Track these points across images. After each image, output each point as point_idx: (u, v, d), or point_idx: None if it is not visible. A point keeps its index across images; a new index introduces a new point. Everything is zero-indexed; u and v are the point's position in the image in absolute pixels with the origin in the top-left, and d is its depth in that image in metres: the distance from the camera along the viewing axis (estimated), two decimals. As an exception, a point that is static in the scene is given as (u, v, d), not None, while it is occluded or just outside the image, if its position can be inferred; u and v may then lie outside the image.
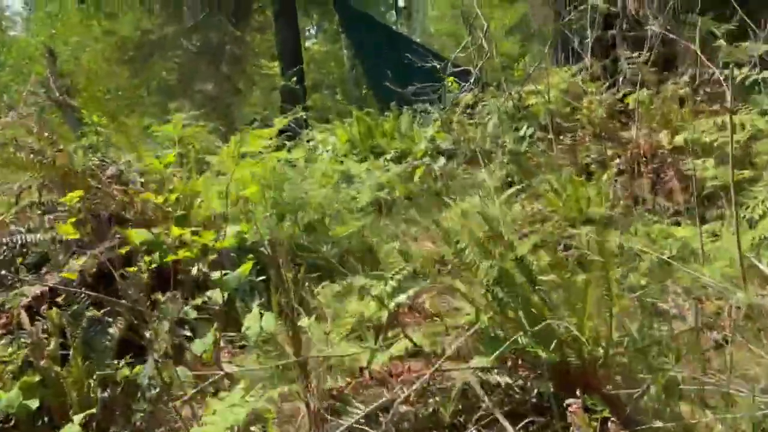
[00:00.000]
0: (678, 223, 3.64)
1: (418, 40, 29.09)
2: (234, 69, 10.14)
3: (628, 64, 5.53)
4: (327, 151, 4.99)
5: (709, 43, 5.74)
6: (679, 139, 4.35)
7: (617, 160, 4.65)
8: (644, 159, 4.19)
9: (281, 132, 8.61)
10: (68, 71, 14.70)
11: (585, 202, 3.87)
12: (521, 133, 5.23)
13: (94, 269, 3.13)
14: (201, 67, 10.02)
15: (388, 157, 5.74)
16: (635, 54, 5.50)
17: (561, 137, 5.46)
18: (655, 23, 5.64)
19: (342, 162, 5.12)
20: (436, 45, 30.64)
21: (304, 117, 7.52)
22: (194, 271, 3.23)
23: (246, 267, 2.92)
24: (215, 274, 3.00)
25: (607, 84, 5.59)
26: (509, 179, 5.10)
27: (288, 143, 6.54)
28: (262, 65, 12.38)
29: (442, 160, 4.83)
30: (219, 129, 12.76)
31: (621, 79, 5.55)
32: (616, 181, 4.14)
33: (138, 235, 3.26)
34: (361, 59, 11.04)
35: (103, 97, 11.35)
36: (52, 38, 14.99)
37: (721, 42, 5.00)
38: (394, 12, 28.71)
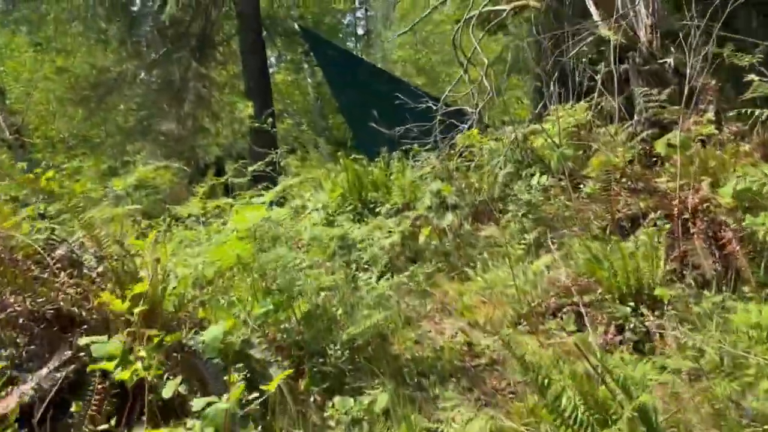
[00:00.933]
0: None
1: (380, 66, 28.79)
2: (198, 106, 9.42)
3: (645, 101, 4.98)
4: (317, 209, 4.29)
5: (730, 76, 5.28)
6: (726, 190, 3.77)
7: (653, 214, 4.06)
8: (691, 215, 3.59)
9: (256, 179, 7.92)
10: (19, 109, 13.83)
11: (634, 272, 3.25)
12: (534, 181, 4.62)
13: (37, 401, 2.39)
14: (162, 105, 9.27)
15: (384, 210, 5.07)
16: (652, 90, 4.95)
17: (579, 185, 4.90)
18: (672, 56, 5.14)
19: (334, 221, 4.43)
20: (398, 72, 30.37)
21: (280, 161, 6.85)
22: (167, 391, 2.50)
23: (236, 393, 2.22)
24: (197, 402, 2.27)
25: (627, 125, 5.05)
26: (525, 236, 4.47)
27: (266, 195, 5.85)
28: (229, 101, 11.68)
29: (449, 217, 4.19)
30: (184, 169, 12.01)
31: (639, 118, 5.00)
32: (659, 242, 3.54)
33: (97, 347, 2.53)
34: (337, 95, 10.39)
35: (57, 138, 10.61)
36: (1, 74, 14.10)
37: (753, 77, 4.49)
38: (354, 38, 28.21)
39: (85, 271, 3.02)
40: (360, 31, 31.50)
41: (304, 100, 26.18)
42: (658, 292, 2.95)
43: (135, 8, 9.79)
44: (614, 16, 5.34)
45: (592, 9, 5.43)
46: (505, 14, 5.29)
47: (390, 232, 4.25)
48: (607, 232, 4.14)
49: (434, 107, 6.77)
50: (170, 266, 3.39)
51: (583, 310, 3.32)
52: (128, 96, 9.70)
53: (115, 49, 9.84)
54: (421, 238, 4.18)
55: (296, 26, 12.68)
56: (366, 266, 3.87)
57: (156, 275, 2.99)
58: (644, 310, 3.29)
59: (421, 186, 5.70)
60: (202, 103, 9.83)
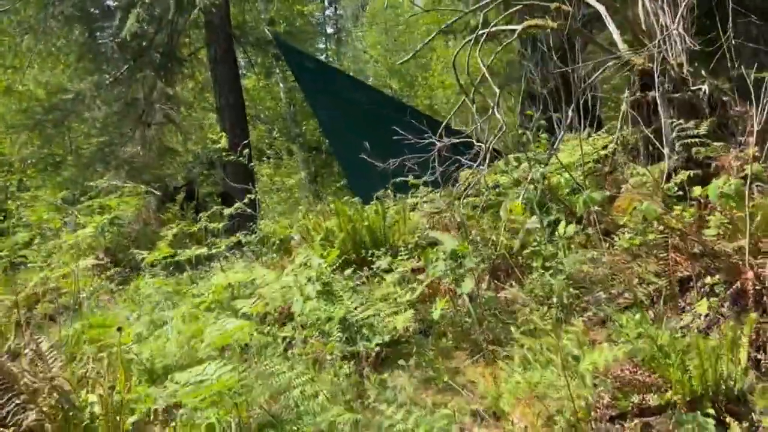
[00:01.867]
0: None
1: (348, 66, 28.05)
2: (165, 128, 8.62)
3: (678, 132, 4.37)
4: (310, 281, 3.59)
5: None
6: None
7: (709, 279, 3.44)
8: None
9: (232, 217, 7.16)
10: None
11: (712, 367, 2.63)
12: (560, 230, 3.98)
13: None
14: (126, 129, 8.46)
15: (385, 264, 4.41)
16: (685, 122, 4.35)
17: (608, 233, 4.28)
18: (706, 82, 4.53)
19: (330, 288, 3.72)
20: (370, 72, 29.71)
21: (257, 198, 6.14)
22: None
23: None
24: None
25: (657, 163, 4.44)
26: (554, 300, 3.84)
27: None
28: (198, 120, 10.90)
29: (469, 284, 3.52)
30: (152, 192, 11.17)
31: (672, 154, 4.39)
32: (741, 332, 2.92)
33: None
34: (315, 108, 9.67)
35: (8, 166, 9.71)
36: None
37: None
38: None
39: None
40: (330, 30, 30.66)
41: (276, 106, 25.36)
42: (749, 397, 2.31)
43: (93, 21, 8.90)
44: (639, 36, 4.72)
45: (612, 28, 4.80)
46: (516, 34, 4.62)
47: (397, 299, 3.60)
48: (659, 300, 3.53)
49: (423, 126, 6.08)
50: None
51: (651, 421, 2.69)
52: (87, 119, 8.85)
53: (71, 66, 8.97)
54: (437, 313, 3.50)
55: (268, 34, 11.90)
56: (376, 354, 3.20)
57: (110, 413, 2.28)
58: (729, 420, 2.67)
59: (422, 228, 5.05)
60: (168, 126, 9.02)
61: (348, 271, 4.07)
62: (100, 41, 8.78)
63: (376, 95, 10.43)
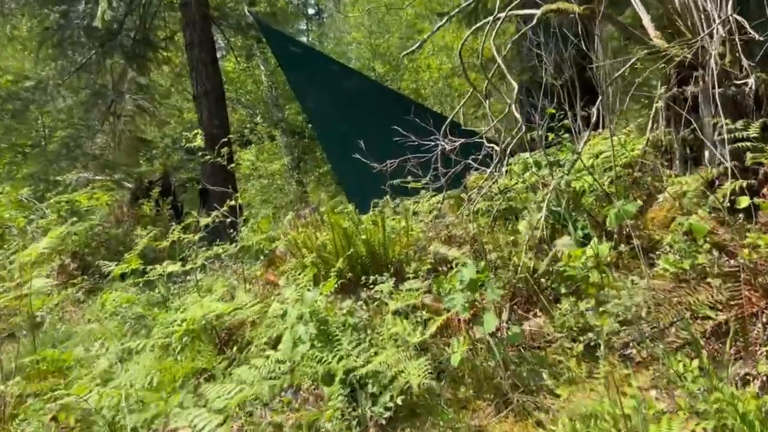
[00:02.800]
0: None
1: (332, 49, 27.24)
2: (136, 120, 7.91)
3: (719, 134, 3.81)
4: (302, 321, 2.99)
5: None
6: None
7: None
8: None
9: (207, 227, 6.49)
10: None
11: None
12: (593, 251, 3.41)
13: None
14: (93, 121, 7.74)
15: (386, 289, 3.83)
16: (730, 121, 3.78)
17: (647, 255, 3.72)
18: (752, 75, 3.96)
19: (327, 327, 3.13)
20: (353, 55, 28.93)
21: (238, 203, 5.52)
22: None
23: None
24: None
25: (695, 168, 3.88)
26: (587, 336, 3.28)
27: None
28: (173, 110, 10.16)
29: (492, 321, 2.94)
30: (126, 188, 10.45)
31: (714, 159, 3.83)
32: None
33: None
34: (302, 98, 8.99)
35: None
36: None
37: None
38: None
39: None
40: (311, 11, 29.77)
41: (257, 89, 24.54)
42: None
43: (58, 3, 8.11)
44: (675, 23, 4.12)
45: (642, 12, 4.20)
46: (535, 20, 4.01)
47: (408, 339, 3.01)
48: (719, 341, 2.97)
49: (425, 123, 5.45)
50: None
51: None
52: (50, 111, 8.10)
53: (33, 51, 8.20)
54: (455, 357, 2.92)
55: (249, 15, 11.14)
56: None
57: None
58: None
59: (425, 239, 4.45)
60: (141, 116, 8.30)
61: (347, 303, 3.45)
62: (63, 25, 8.00)
63: (370, 85, 9.73)
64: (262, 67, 22.55)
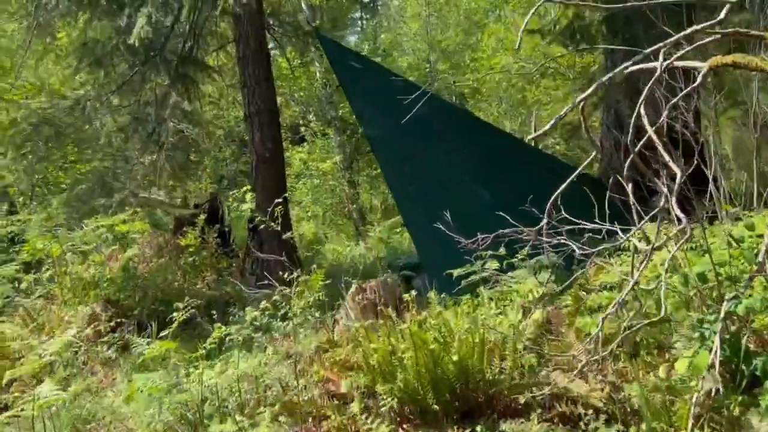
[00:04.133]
0: None
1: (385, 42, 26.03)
2: (180, 150, 7.04)
3: None
4: None
5: None
6: None
7: None
8: None
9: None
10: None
11: None
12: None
13: None
14: (132, 148, 6.88)
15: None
16: None
17: None
18: None
19: None
20: (408, 46, 27.72)
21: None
22: None
23: None
24: None
25: None
26: None
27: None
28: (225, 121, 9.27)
29: None
30: (170, 212, 9.64)
31: None
32: None
33: None
34: (366, 128, 7.92)
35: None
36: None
37: None
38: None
39: None
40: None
41: (310, 87, 23.64)
42: None
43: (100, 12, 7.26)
44: None
45: None
46: (700, 77, 2.87)
47: None
48: None
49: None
50: None
51: None
52: (85, 138, 7.29)
53: (71, 67, 7.40)
54: None
55: (305, 23, 10.19)
56: None
57: None
58: None
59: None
60: (184, 148, 7.42)
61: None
62: (101, 39, 7.16)
63: (453, 113, 8.52)
64: (317, 64, 21.62)
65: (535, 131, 14.15)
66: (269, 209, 8.84)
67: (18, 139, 6.62)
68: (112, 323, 6.74)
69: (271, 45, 10.91)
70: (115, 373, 6.11)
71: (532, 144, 8.72)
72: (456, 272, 5.83)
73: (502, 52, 21.75)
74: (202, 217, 9.03)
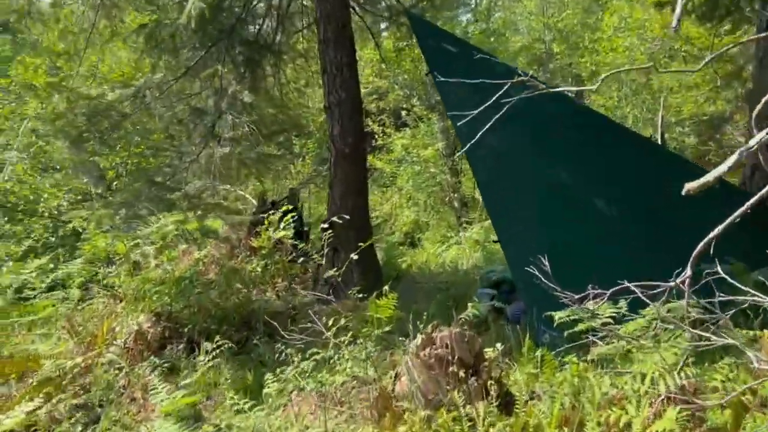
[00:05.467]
0: None
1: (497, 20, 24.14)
2: (238, 141, 6.11)
3: None
4: None
5: None
6: None
7: None
8: None
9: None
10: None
11: None
12: None
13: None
14: (190, 143, 6.04)
15: None
16: None
17: None
18: None
19: None
20: (523, 25, 25.86)
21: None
22: None
23: None
24: None
25: None
26: None
27: None
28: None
29: None
30: (244, 209, 8.86)
31: None
32: None
33: None
34: (463, 137, 6.62)
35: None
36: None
37: None
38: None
39: None
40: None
41: (415, 69, 22.35)
42: None
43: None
44: None
45: None
46: None
47: None
48: None
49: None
50: None
51: None
52: (139, 132, 6.54)
53: (138, 50, 6.66)
54: None
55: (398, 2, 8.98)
56: None
57: None
58: None
59: None
60: (251, 140, 6.49)
61: None
62: (163, 20, 6.35)
63: (576, 112, 7.00)
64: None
65: (662, 122, 12.08)
66: (347, 210, 7.94)
67: (72, 130, 5.96)
68: (162, 339, 6.02)
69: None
70: (155, 404, 5.34)
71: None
72: (558, 316, 4.57)
73: (626, 32, 19.60)
74: (277, 216, 8.16)
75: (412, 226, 21.22)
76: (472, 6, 26.36)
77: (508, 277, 7.64)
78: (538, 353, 4.37)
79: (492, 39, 21.40)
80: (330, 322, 4.56)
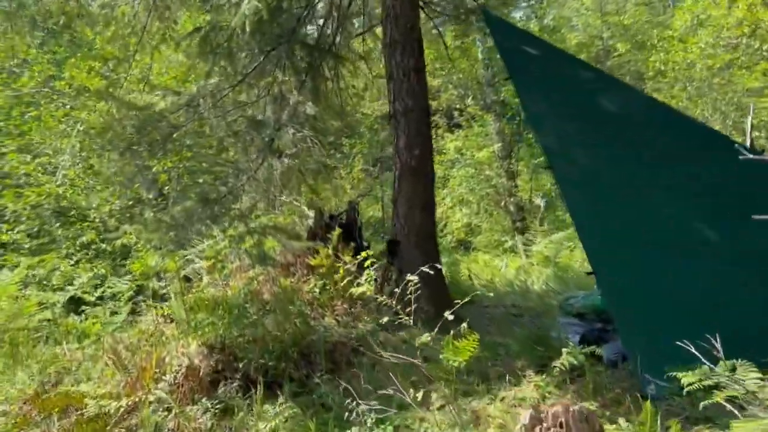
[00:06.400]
0: None
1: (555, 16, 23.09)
2: (297, 164, 5.49)
3: None
4: None
5: None
6: None
7: None
8: None
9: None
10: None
11: None
12: None
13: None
14: (248, 160, 5.45)
15: None
16: None
17: None
18: None
19: None
20: (578, 21, 24.79)
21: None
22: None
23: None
24: None
25: None
26: None
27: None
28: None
29: None
30: (302, 224, 8.26)
31: None
32: None
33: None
34: (544, 138, 5.87)
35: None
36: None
37: None
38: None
39: None
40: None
41: (471, 68, 21.58)
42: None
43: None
44: None
45: None
46: None
47: None
48: None
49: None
50: None
51: None
52: (192, 144, 5.98)
53: (192, 56, 6.11)
54: None
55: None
56: None
57: None
58: None
59: None
60: (313, 155, 5.86)
61: None
62: (217, 23, 5.77)
63: (674, 120, 6.19)
64: (479, 44, 19.56)
65: (750, 129, 10.95)
66: (413, 228, 7.27)
67: (121, 143, 5.45)
68: (214, 373, 5.46)
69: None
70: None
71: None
72: (683, 378, 3.84)
73: (701, 29, 18.36)
74: (336, 233, 7.53)
75: (465, 230, 20.45)
76: (531, 2, 25.25)
77: (592, 305, 6.85)
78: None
79: (546, 35, 20.43)
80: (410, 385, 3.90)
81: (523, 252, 17.48)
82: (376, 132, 18.24)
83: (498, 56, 19.10)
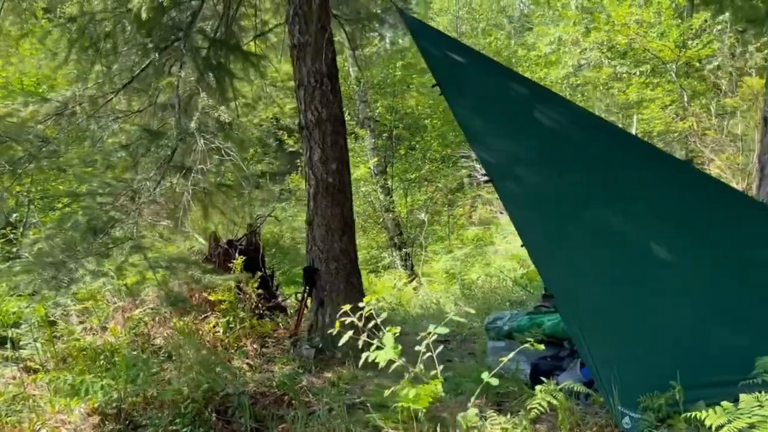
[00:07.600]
0: None
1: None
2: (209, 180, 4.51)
3: None
4: None
5: None
6: None
7: None
8: None
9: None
10: None
11: None
12: None
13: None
14: (144, 178, 4.36)
15: None
16: None
17: None
18: None
19: None
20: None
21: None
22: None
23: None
24: None
25: None
26: None
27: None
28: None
29: None
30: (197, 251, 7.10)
31: None
32: None
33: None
34: (478, 149, 5.31)
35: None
36: None
37: None
38: None
39: None
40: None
41: (344, 82, 21.20)
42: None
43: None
44: None
45: None
46: None
47: None
48: None
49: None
50: None
51: None
52: (71, 162, 4.74)
53: (64, 58, 4.88)
54: None
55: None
56: None
57: None
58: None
59: None
60: (218, 172, 4.87)
61: None
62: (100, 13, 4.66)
63: (622, 138, 5.83)
64: (349, 58, 19.21)
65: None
66: (332, 252, 6.44)
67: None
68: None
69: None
70: None
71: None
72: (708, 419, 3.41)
73: (560, 49, 19.19)
74: (240, 260, 6.50)
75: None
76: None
77: (523, 325, 6.35)
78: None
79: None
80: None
81: (401, 267, 17.09)
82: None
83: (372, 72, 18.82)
